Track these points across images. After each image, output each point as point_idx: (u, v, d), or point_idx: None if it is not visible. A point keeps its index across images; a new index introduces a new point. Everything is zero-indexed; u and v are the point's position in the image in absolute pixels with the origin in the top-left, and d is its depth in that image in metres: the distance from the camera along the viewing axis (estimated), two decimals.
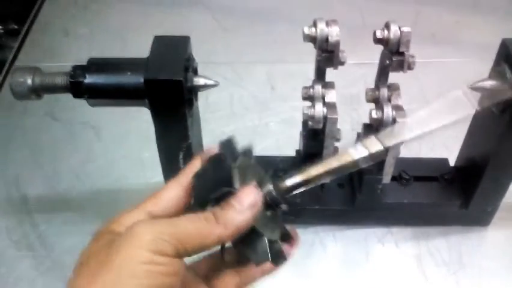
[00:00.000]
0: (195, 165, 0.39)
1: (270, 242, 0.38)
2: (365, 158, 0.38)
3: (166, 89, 0.51)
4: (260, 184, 0.38)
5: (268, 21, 1.03)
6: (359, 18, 0.99)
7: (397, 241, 0.68)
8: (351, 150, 0.38)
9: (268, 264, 0.38)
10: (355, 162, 0.38)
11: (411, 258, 0.66)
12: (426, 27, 0.99)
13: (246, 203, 0.36)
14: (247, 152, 0.40)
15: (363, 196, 0.65)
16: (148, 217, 0.37)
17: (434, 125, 0.40)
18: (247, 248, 0.38)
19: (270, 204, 0.39)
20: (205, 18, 1.03)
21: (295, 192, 0.39)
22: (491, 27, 0.98)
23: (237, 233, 0.36)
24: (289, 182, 0.39)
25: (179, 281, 0.34)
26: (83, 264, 0.34)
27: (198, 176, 0.38)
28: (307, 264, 0.66)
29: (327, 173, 0.39)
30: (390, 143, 0.39)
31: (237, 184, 0.37)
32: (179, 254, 0.34)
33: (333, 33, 0.54)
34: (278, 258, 0.38)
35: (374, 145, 0.38)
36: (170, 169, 0.58)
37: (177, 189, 0.38)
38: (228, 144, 0.39)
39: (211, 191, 0.37)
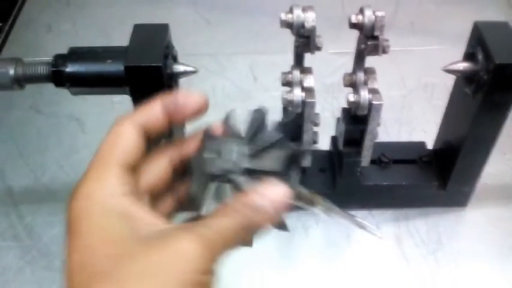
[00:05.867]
0: (155, 107, 0.35)
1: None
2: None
3: (146, 76, 0.52)
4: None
5: (251, 14, 1.04)
6: (339, 8, 1.00)
7: (378, 223, 0.69)
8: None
9: None
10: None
11: (392, 239, 0.68)
12: (406, 15, 1.01)
13: (274, 203, 0.32)
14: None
15: (344, 179, 0.66)
16: (120, 171, 0.32)
17: None
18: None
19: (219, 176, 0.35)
20: (189, 12, 1.04)
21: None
22: (469, 16, 0.98)
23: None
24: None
25: None
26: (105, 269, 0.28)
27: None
28: (290, 248, 0.67)
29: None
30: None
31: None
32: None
33: (309, 18, 0.55)
34: None
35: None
36: None
37: (135, 135, 0.34)
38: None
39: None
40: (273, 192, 0.32)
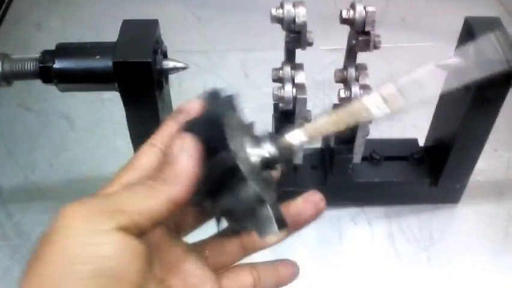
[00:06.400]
0: (169, 125, 0.34)
1: (272, 208, 0.33)
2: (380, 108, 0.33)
3: (135, 71, 0.51)
4: (256, 140, 0.34)
5: (242, 10, 1.03)
6: (331, 5, 1.00)
7: (369, 220, 0.69)
8: (364, 97, 0.34)
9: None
10: (368, 111, 0.33)
11: (384, 235, 0.68)
12: (397, 12, 1.01)
13: (173, 147, 0.31)
14: (233, 102, 0.35)
15: (335, 176, 0.66)
16: (117, 188, 0.31)
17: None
18: (247, 218, 0.33)
19: (267, 163, 0.33)
20: (180, 9, 1.03)
21: (297, 148, 0.35)
22: (460, 12, 0.99)
23: (186, 186, 0.30)
24: (290, 137, 0.34)
25: (135, 267, 0.28)
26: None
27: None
28: (282, 245, 0.66)
29: (334, 123, 0.34)
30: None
31: (232, 146, 0.31)
32: (125, 228, 0.28)
33: (300, 14, 0.54)
34: (282, 225, 0.33)
35: (393, 97, 0.33)
36: None
37: (154, 153, 0.33)
38: (215, 96, 0.35)
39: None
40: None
